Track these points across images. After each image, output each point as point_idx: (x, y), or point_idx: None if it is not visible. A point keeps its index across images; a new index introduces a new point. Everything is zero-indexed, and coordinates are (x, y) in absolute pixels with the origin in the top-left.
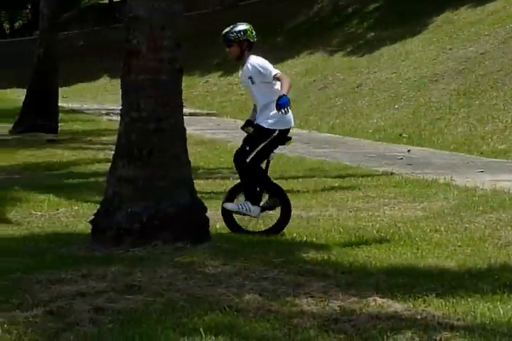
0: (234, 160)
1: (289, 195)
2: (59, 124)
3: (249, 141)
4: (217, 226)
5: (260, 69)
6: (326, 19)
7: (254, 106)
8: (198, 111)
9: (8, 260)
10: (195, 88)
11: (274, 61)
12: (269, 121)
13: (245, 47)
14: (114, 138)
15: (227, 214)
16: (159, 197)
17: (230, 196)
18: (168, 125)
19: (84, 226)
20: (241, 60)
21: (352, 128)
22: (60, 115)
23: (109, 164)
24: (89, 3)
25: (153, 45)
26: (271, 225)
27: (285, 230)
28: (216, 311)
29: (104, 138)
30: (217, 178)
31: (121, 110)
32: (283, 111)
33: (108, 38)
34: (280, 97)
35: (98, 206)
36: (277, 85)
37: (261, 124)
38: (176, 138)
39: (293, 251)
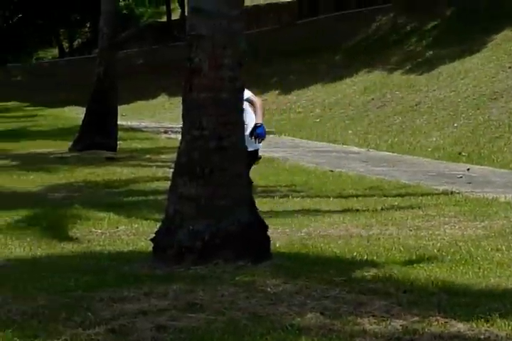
0: None
1: (348, 213)
2: (118, 142)
3: None
4: (277, 245)
5: None
6: (385, 37)
7: None
8: None
9: (70, 278)
10: None
11: (332, 79)
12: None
13: None
14: (173, 156)
15: None
16: (220, 216)
17: None
18: (229, 143)
19: (144, 244)
20: None
21: (411, 146)
22: (119, 133)
23: (169, 182)
24: (148, 22)
25: (214, 64)
26: None
27: (346, 249)
28: (278, 330)
29: (163, 156)
30: (275, 196)
31: (182, 128)
32: (258, 141)
33: (166, 56)
34: (257, 127)
35: (158, 224)
36: (246, 105)
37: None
38: (237, 157)
39: (354, 270)
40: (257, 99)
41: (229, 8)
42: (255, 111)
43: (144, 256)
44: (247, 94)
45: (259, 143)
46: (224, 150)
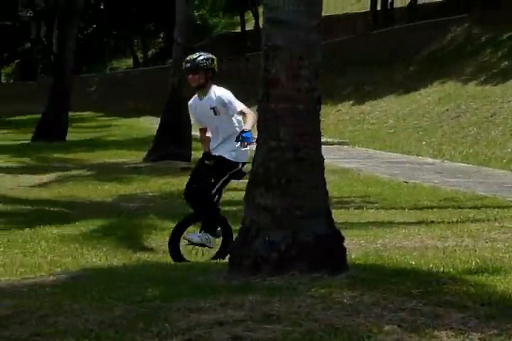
0: (196, 194)
1: (423, 225)
2: (192, 152)
3: (213, 174)
4: (353, 256)
5: (226, 101)
6: (460, 48)
7: (209, 137)
8: (330, 140)
9: (146, 288)
10: (327, 117)
11: (406, 90)
12: (233, 153)
13: (210, 75)
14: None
15: (175, 245)
16: (297, 227)
17: (179, 230)
18: (306, 154)
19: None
20: (203, 89)
21: (486, 157)
22: (193, 143)
23: (243, 193)
24: (221, 33)
25: (291, 75)
26: (213, 255)
27: (422, 261)
28: None
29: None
30: (350, 208)
31: (257, 138)
32: (244, 145)
33: (240, 67)
34: (244, 131)
35: (234, 234)
36: (240, 117)
37: (224, 156)
38: (314, 168)
39: (430, 282)
40: (249, 111)
41: (307, 19)
42: (246, 120)
43: (219, 266)
44: (240, 106)
45: (245, 147)
46: (300, 161)
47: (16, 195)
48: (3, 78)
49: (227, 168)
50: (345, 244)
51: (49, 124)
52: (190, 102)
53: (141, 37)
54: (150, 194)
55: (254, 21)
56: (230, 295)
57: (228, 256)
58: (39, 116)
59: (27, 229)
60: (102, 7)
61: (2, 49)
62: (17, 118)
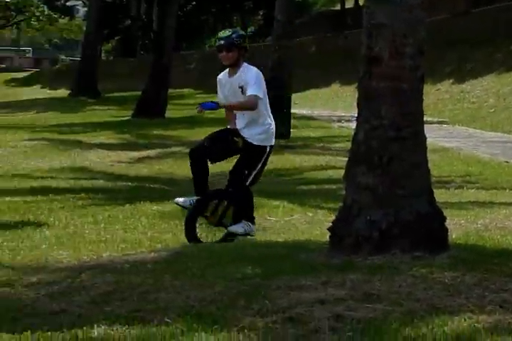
0: (234, 182)
1: None
2: (291, 130)
3: (245, 164)
4: (454, 236)
5: (251, 80)
6: None
7: (235, 115)
8: (429, 119)
9: (247, 265)
10: (426, 96)
11: (507, 69)
12: (260, 137)
13: (243, 53)
14: (346, 144)
15: (191, 227)
16: (398, 205)
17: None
18: (409, 133)
19: (319, 233)
20: (235, 67)
21: None
22: (292, 121)
23: (342, 171)
24: (321, 10)
25: (394, 53)
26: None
27: None
28: (456, 322)
29: (337, 145)
30: (450, 187)
31: (358, 117)
32: (199, 109)
33: (340, 45)
34: (211, 102)
35: (332, 213)
36: (267, 100)
37: (252, 142)
38: (416, 147)
39: None
40: (251, 101)
41: None
42: (241, 101)
43: (319, 244)
44: (254, 91)
45: (199, 112)
46: (403, 140)
47: (117, 171)
48: (103, 55)
49: (258, 156)
50: (446, 223)
51: (149, 101)
52: (219, 77)
53: (240, 14)
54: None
55: None
56: (331, 273)
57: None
58: (139, 92)
59: (127, 205)
60: None
61: (103, 26)
62: (117, 94)
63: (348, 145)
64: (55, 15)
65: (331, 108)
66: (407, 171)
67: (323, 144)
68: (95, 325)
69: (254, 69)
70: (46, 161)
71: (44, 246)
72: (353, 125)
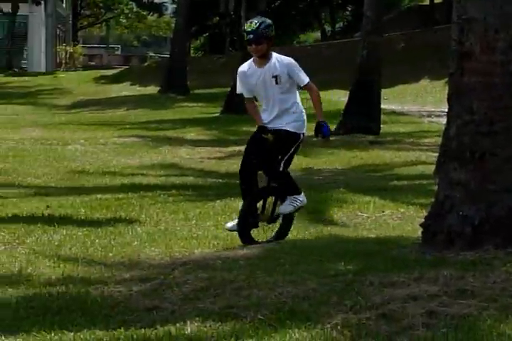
0: (268, 173)
1: None
2: (381, 126)
3: (276, 150)
4: None
5: (296, 70)
6: None
7: (261, 109)
8: None
9: (339, 261)
10: None
11: None
12: (295, 124)
13: (271, 43)
14: (436, 140)
15: (246, 232)
16: (490, 201)
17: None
18: (501, 128)
19: (411, 229)
20: (265, 57)
21: None
22: (382, 117)
23: (433, 166)
24: (410, 5)
25: (486, 47)
26: (275, 233)
27: None
28: None
29: (426, 140)
30: None
31: (448, 112)
32: (324, 139)
33: (428, 40)
34: (321, 125)
35: (424, 209)
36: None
37: (286, 129)
38: (508, 142)
39: None
40: (316, 88)
41: None
42: (315, 108)
43: (411, 240)
44: (307, 77)
45: (325, 141)
46: (495, 134)
47: (207, 167)
48: (192, 52)
49: (292, 142)
50: None
51: (238, 98)
52: (242, 69)
53: (329, 10)
54: (339, 167)
55: None
56: (424, 269)
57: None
58: (228, 89)
59: (218, 202)
60: None
61: (191, 23)
62: (206, 91)
63: (438, 140)
64: (144, 13)
65: (421, 103)
66: (498, 166)
67: (413, 140)
68: (188, 322)
69: (288, 58)
70: (136, 158)
71: (136, 243)
72: (443, 120)
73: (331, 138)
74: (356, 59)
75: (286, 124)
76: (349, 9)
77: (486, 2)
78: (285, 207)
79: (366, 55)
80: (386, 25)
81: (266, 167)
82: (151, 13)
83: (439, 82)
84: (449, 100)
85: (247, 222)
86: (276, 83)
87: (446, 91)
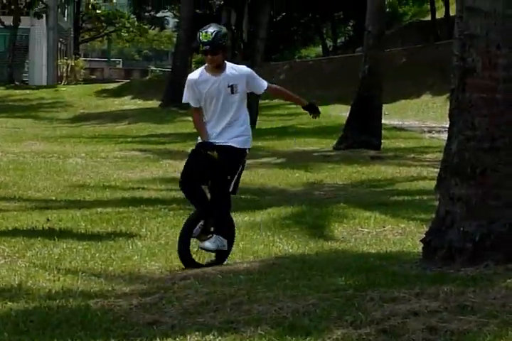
0: (217, 195)
1: None
2: (382, 141)
3: (226, 169)
4: None
5: (254, 76)
6: None
7: (204, 122)
8: None
9: (339, 277)
10: None
11: None
12: (241, 139)
13: (226, 52)
14: (437, 155)
15: (185, 251)
16: (492, 217)
17: (189, 232)
18: (502, 144)
19: (411, 244)
20: (220, 67)
21: None
22: (383, 132)
23: (434, 182)
24: (411, 21)
25: (488, 63)
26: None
27: None
28: None
29: (427, 156)
30: None
31: (450, 128)
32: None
33: (430, 56)
34: (314, 104)
35: (425, 224)
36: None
37: (233, 145)
38: (510, 158)
39: None
40: (278, 86)
41: (505, 7)
42: (290, 95)
43: (412, 256)
44: (264, 82)
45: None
46: (496, 150)
47: None
48: (193, 66)
49: (239, 158)
50: None
51: None
52: (193, 77)
53: (330, 25)
54: (340, 182)
55: (444, 9)
56: (424, 285)
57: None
58: None
59: None
60: None
61: (193, 37)
62: None
63: (439, 156)
64: (146, 27)
65: (422, 119)
66: (500, 182)
67: (414, 155)
68: (188, 336)
69: (243, 66)
70: (137, 172)
71: (136, 257)
72: (444, 136)
73: (332, 154)
74: (358, 74)
75: (231, 140)
76: (351, 24)
77: (488, 18)
78: (208, 244)
79: (368, 70)
80: (388, 40)
81: (216, 188)
82: (153, 27)
83: (440, 97)
84: (450, 116)
85: (185, 244)
86: (232, 92)
87: (448, 107)
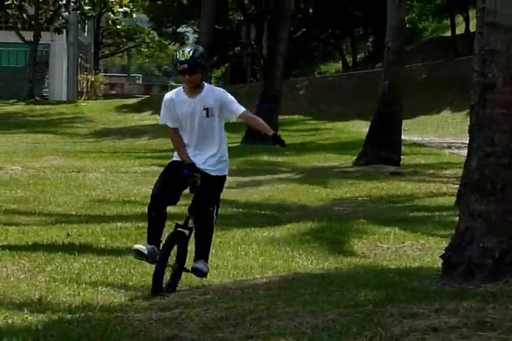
0: (203, 222)
1: None
2: (402, 157)
3: (211, 199)
4: None
5: (231, 100)
6: None
7: (182, 145)
8: None
9: (359, 292)
10: None
11: None
12: (222, 166)
13: (204, 73)
14: (457, 171)
15: (161, 280)
16: None
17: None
18: None
19: (431, 260)
20: (198, 87)
21: None
22: (402, 148)
23: (453, 198)
24: (431, 36)
25: (509, 79)
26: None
27: None
28: None
29: (447, 172)
30: None
31: (470, 144)
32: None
33: (450, 71)
34: (279, 137)
35: (444, 240)
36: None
37: (211, 174)
38: None
39: None
40: (253, 115)
41: None
42: (260, 124)
43: (431, 272)
44: (241, 107)
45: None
46: None
47: (227, 197)
48: (213, 81)
49: (220, 185)
50: None
51: None
52: (170, 97)
53: (350, 41)
54: (359, 198)
55: (464, 25)
56: (444, 301)
57: None
58: None
59: (238, 232)
60: (310, 11)
61: (213, 52)
62: (227, 121)
63: (459, 172)
64: (165, 42)
65: (441, 134)
66: None
67: (433, 171)
68: None
69: (220, 89)
70: None
71: None
72: (464, 152)
73: (351, 170)
74: (377, 90)
75: (213, 167)
76: (370, 40)
77: (509, 33)
78: (202, 266)
79: (387, 86)
80: (407, 56)
81: (199, 213)
82: (173, 43)
83: (460, 113)
84: (470, 132)
85: (162, 272)
86: (207, 116)
87: (468, 123)
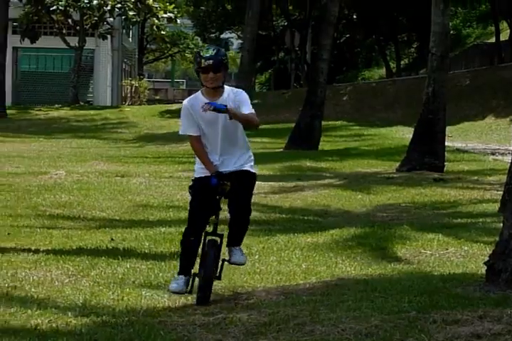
0: (244, 220)
1: None
2: (445, 163)
3: (251, 192)
4: None
5: (245, 101)
6: None
7: (205, 150)
8: None
9: (403, 298)
10: None
11: None
12: (252, 164)
13: (226, 74)
14: (500, 178)
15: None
16: None
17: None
18: None
19: (474, 267)
20: (219, 88)
21: None
22: (446, 154)
23: (497, 205)
24: (476, 43)
25: None
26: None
27: None
28: None
29: (491, 178)
30: None
31: None
32: (206, 107)
33: (494, 78)
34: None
35: (488, 247)
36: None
37: (250, 170)
38: None
39: None
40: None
41: None
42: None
43: (475, 278)
44: (248, 111)
45: (205, 110)
46: None
47: (270, 202)
48: (257, 87)
49: (253, 183)
50: None
51: (302, 133)
52: (190, 102)
53: (394, 47)
54: (403, 204)
55: (508, 31)
56: (488, 308)
57: None
58: (292, 124)
59: (281, 237)
60: (354, 17)
61: (257, 58)
62: (270, 126)
63: (503, 178)
64: None
65: (485, 141)
66: None
67: (477, 177)
68: None
69: (239, 89)
70: None
71: None
72: (508, 158)
73: (395, 176)
74: (421, 96)
75: (246, 164)
76: (414, 46)
77: None
78: (242, 257)
79: (432, 92)
80: (451, 62)
81: (241, 210)
82: None
83: (504, 119)
84: None
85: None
86: (230, 118)
87: None
